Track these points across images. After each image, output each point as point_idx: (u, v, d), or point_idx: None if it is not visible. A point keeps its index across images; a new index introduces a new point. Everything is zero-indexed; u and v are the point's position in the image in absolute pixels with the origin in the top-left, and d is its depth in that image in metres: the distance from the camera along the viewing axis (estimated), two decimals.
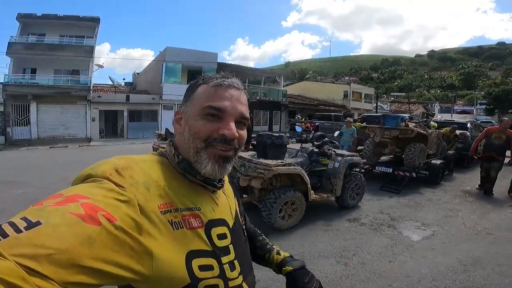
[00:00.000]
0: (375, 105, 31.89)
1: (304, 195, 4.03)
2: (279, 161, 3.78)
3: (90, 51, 17.31)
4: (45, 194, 4.90)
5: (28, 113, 16.24)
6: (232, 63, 21.07)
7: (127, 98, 18.28)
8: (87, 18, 18.48)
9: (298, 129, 5.64)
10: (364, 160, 7.06)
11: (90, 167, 0.51)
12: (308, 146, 5.05)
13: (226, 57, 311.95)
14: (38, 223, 0.37)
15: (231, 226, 0.65)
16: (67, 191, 0.45)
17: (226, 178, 0.75)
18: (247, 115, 0.64)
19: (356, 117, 16.47)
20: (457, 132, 7.95)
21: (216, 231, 0.60)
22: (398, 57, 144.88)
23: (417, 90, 57.15)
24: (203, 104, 0.60)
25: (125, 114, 18.26)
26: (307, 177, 4.07)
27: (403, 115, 7.18)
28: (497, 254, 3.17)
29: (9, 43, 16.37)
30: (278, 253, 0.87)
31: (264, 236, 0.94)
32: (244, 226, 0.76)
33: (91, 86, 17.26)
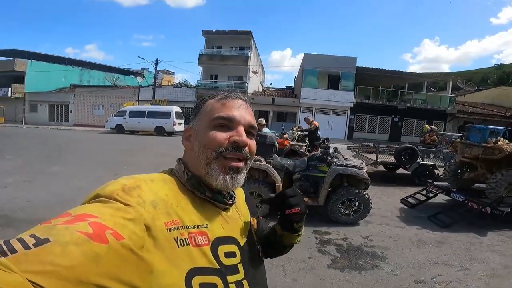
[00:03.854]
0: None
1: (273, 191, 4.16)
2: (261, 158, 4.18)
3: (246, 60, 21.42)
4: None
5: None
6: (371, 67, 19.00)
7: (273, 100, 21.19)
8: (241, 32, 22.39)
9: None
10: (445, 184, 5.37)
11: (99, 188, 0.52)
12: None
13: (410, 60, 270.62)
14: (46, 240, 0.38)
15: (242, 245, 0.63)
16: (76, 210, 0.45)
17: (241, 195, 0.76)
18: (255, 124, 0.66)
19: None
20: None
21: (223, 248, 0.58)
22: None
23: None
24: (211, 116, 0.61)
25: (270, 114, 21.24)
26: (275, 174, 4.15)
27: (497, 127, 4.71)
28: None
29: (199, 55, 22.55)
30: None
31: None
32: (259, 247, 0.72)
33: (248, 90, 21.38)
